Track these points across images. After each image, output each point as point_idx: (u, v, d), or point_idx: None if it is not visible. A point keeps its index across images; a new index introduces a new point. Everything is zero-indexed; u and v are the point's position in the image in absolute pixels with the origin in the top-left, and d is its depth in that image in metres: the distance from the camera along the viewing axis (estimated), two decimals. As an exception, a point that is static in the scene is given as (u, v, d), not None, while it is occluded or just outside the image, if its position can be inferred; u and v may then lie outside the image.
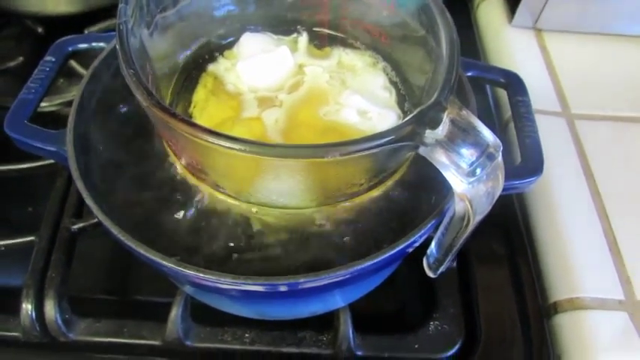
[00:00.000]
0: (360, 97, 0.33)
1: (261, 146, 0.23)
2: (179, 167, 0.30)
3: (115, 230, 0.26)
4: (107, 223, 0.26)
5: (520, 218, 0.46)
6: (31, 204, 0.46)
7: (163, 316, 0.38)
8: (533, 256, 0.44)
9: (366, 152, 0.23)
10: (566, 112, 0.52)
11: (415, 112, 0.25)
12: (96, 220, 0.40)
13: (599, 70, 0.55)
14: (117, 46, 0.25)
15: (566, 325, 0.40)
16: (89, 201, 0.27)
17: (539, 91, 0.54)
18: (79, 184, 0.27)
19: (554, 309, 0.41)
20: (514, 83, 0.38)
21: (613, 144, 0.49)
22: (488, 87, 0.54)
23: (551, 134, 0.49)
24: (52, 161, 0.45)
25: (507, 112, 0.52)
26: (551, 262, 0.43)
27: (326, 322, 0.38)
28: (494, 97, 0.54)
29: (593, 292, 0.40)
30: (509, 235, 0.44)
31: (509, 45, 0.58)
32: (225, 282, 0.24)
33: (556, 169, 0.47)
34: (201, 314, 0.39)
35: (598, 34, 0.58)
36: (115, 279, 0.45)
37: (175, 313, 0.37)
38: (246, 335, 0.38)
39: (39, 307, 0.37)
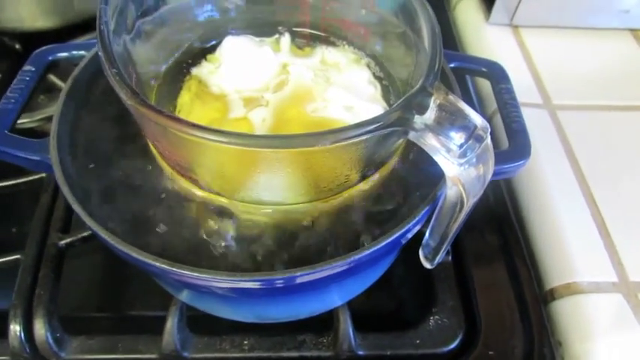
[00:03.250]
0: (346, 93, 0.33)
1: (251, 138, 0.22)
2: (166, 169, 0.29)
3: (104, 235, 0.25)
4: (96, 228, 0.26)
5: (511, 209, 0.46)
6: (14, 223, 0.45)
7: (158, 329, 0.37)
8: (526, 245, 0.44)
9: (357, 139, 0.23)
10: (548, 104, 0.52)
11: (402, 99, 0.25)
12: (85, 234, 0.40)
13: (575, 62, 0.57)
14: (98, 47, 0.25)
15: (564, 310, 0.40)
16: (77, 207, 0.26)
17: (520, 85, 0.54)
18: (65, 190, 0.27)
19: (551, 295, 0.41)
20: (496, 72, 0.39)
21: (594, 131, 0.50)
22: (470, 82, 0.55)
23: (535, 125, 0.50)
24: (34, 178, 0.44)
25: (491, 106, 0.52)
26: (544, 250, 0.43)
27: (325, 323, 0.38)
28: (476, 92, 0.55)
29: (587, 277, 0.40)
30: (501, 226, 0.44)
31: (488, 42, 0.59)
32: (222, 280, 0.24)
33: (542, 158, 0.47)
34: (198, 325, 0.38)
35: (572, 27, 0.59)
36: (106, 296, 0.44)
37: (171, 323, 0.36)
38: (245, 342, 0.37)
39: (28, 328, 0.36)
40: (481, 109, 0.53)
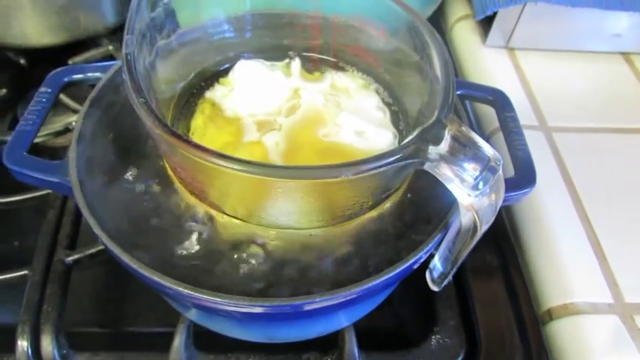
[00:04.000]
0: (357, 118, 0.34)
1: (277, 169, 0.23)
2: (184, 192, 0.30)
3: (126, 258, 0.26)
4: (117, 251, 0.26)
5: (509, 229, 0.47)
6: (20, 238, 0.45)
7: (163, 346, 0.37)
8: (524, 265, 0.45)
9: (377, 170, 0.24)
10: (544, 126, 0.54)
11: (418, 131, 0.26)
12: (92, 250, 0.40)
13: (570, 84, 0.58)
14: (125, 76, 0.25)
15: (561, 331, 0.41)
16: (97, 230, 0.26)
17: (516, 107, 0.56)
18: (86, 213, 0.27)
19: (548, 315, 0.42)
20: (501, 100, 0.40)
21: (589, 153, 0.51)
22: (468, 104, 0.56)
23: (531, 147, 0.51)
24: (39, 194, 0.44)
25: (489, 128, 0.54)
26: (542, 270, 0.44)
27: (329, 342, 0.38)
28: (474, 114, 0.56)
29: (584, 297, 0.41)
30: (500, 247, 0.45)
31: (485, 64, 0.60)
32: (244, 305, 0.24)
33: (539, 180, 0.48)
34: (203, 341, 0.38)
35: (567, 51, 0.61)
36: (111, 311, 0.44)
37: (179, 341, 0.36)
38: (250, 360, 0.38)
39: (35, 344, 0.36)
40: (479, 130, 0.55)
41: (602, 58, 0.61)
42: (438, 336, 0.40)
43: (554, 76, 0.59)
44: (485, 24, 0.61)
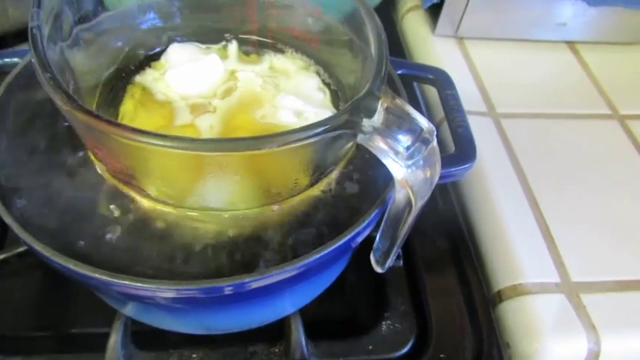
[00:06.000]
0: (295, 98, 0.33)
1: (197, 142, 0.22)
2: (107, 177, 0.28)
3: (40, 248, 0.24)
4: (31, 241, 0.24)
5: (459, 214, 0.47)
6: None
7: (101, 346, 0.35)
8: (475, 249, 0.45)
9: (304, 142, 0.23)
10: (492, 112, 0.54)
11: (350, 102, 0.25)
12: (20, 249, 0.38)
13: (517, 72, 0.59)
14: (31, 52, 0.23)
15: (511, 311, 0.41)
16: (8, 219, 0.24)
17: (465, 94, 0.56)
18: (-4, 203, 0.25)
19: (499, 297, 0.42)
20: (442, 79, 0.40)
21: (536, 138, 0.52)
22: (418, 91, 0.56)
23: (480, 133, 0.51)
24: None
25: (439, 114, 0.54)
26: (492, 253, 0.44)
27: (277, 332, 0.37)
28: (424, 100, 0.56)
29: (533, 278, 0.41)
30: (450, 232, 0.45)
31: (435, 53, 0.61)
32: (167, 289, 0.23)
33: (488, 164, 0.48)
34: (145, 340, 0.37)
35: (513, 40, 0.62)
36: (46, 314, 0.41)
37: (115, 339, 0.34)
38: (194, 356, 0.36)
39: (-41, 351, 0.34)
40: (429, 117, 0.54)
41: (548, 47, 0.62)
42: (388, 322, 0.39)
43: (502, 64, 0.60)
44: (435, 14, 0.61)
